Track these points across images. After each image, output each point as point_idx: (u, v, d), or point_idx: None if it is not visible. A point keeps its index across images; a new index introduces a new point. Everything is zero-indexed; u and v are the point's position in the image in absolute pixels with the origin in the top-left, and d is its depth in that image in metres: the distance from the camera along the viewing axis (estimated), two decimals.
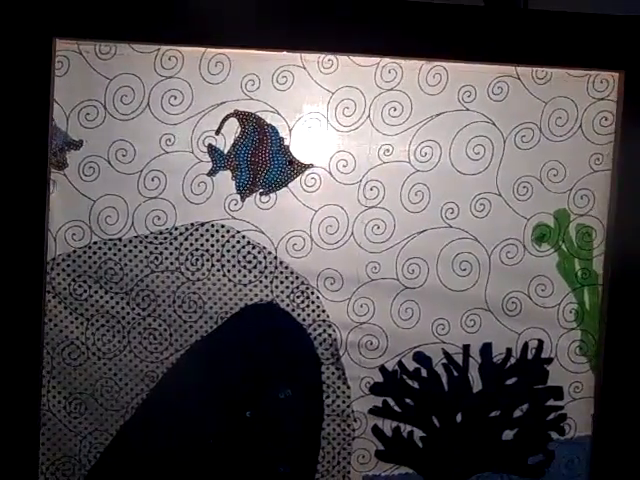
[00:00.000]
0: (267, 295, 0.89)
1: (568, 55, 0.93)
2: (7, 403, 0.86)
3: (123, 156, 0.86)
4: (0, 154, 0.86)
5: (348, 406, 0.92)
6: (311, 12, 0.88)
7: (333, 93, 0.89)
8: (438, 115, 0.89)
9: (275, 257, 0.89)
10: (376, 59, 0.90)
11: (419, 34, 0.90)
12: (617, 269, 0.96)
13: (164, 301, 0.88)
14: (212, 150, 0.88)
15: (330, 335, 0.90)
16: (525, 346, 0.94)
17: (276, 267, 0.89)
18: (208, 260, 0.88)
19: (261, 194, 0.88)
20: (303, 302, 0.90)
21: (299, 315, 0.90)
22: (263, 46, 0.90)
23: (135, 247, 0.87)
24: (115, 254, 0.87)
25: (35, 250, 0.88)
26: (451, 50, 0.92)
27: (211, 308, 0.89)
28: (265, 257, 0.89)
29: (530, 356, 0.93)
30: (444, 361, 0.93)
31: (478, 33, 0.91)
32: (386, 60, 0.89)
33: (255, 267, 0.89)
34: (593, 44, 0.93)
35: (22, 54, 0.86)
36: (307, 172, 0.89)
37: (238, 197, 0.88)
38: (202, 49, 0.87)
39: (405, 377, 0.92)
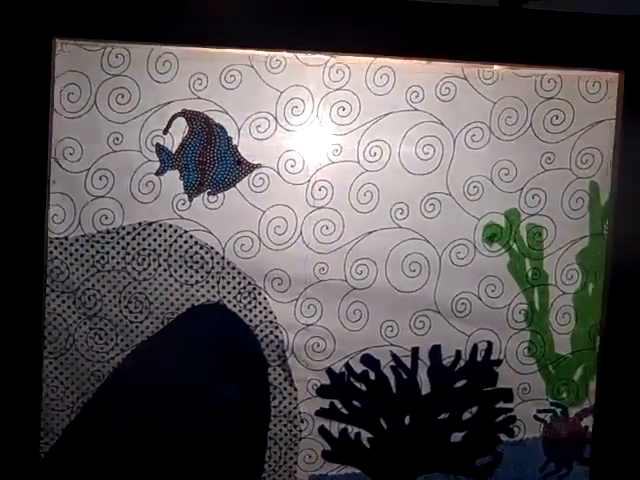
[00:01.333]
0: (214, 296, 0.97)
1: (568, 55, 1.01)
2: None
3: (70, 154, 0.93)
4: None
5: (295, 407, 0.99)
6: (311, 12, 0.97)
7: (282, 92, 0.96)
8: (386, 115, 0.97)
9: (222, 257, 0.96)
10: (325, 57, 0.98)
11: (419, 34, 0.99)
12: (617, 269, 1.05)
13: (110, 301, 0.96)
14: (160, 149, 0.95)
15: (277, 336, 0.97)
16: (474, 348, 1.01)
17: (223, 267, 0.96)
18: (155, 260, 0.96)
19: (209, 194, 0.96)
20: (250, 303, 0.97)
21: (246, 316, 0.98)
22: (263, 46, 0.99)
23: (82, 246, 0.95)
24: (61, 253, 0.94)
25: (33, 248, 0.97)
26: (450, 50, 1.00)
27: (157, 308, 0.96)
28: (212, 257, 0.96)
29: (479, 358, 1.00)
30: (392, 363, 1.01)
31: (477, 33, 0.99)
32: (334, 60, 0.96)
33: (202, 267, 0.96)
34: (593, 44, 1.01)
35: (22, 54, 0.95)
36: (255, 172, 0.97)
37: (186, 197, 0.96)
38: (150, 47, 0.93)
39: (352, 379, 0.99)
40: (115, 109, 0.94)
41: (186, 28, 0.94)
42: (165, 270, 0.97)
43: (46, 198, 0.96)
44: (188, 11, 0.94)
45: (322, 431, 1.01)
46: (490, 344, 1.02)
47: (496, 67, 0.99)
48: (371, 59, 0.99)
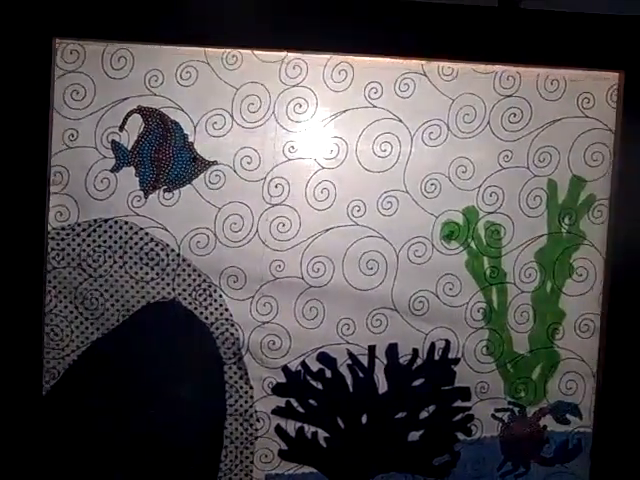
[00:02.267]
0: (169, 293, 1.02)
1: (568, 55, 1.07)
2: None
3: None
4: None
5: (251, 406, 1.05)
6: (311, 12, 1.04)
7: (237, 89, 1.01)
8: (344, 112, 1.02)
9: (178, 254, 1.02)
10: (281, 54, 1.04)
11: (417, 34, 1.05)
12: (618, 270, 1.12)
13: (65, 297, 1.00)
14: (116, 146, 1.00)
15: (232, 334, 1.03)
16: (432, 346, 1.07)
17: (179, 264, 1.02)
18: (110, 257, 1.01)
19: (165, 191, 1.01)
20: (206, 300, 1.02)
21: (202, 313, 1.03)
22: (263, 46, 1.05)
23: None
24: None
25: (34, 249, 1.03)
26: (449, 50, 1.06)
27: (113, 305, 1.01)
28: (168, 254, 1.02)
29: (437, 357, 1.06)
30: (349, 362, 1.06)
31: (476, 33, 1.05)
32: (291, 56, 1.02)
33: (158, 264, 1.02)
34: (593, 44, 1.07)
35: (22, 54, 1.01)
36: (211, 169, 1.02)
37: (142, 193, 1.01)
38: (104, 43, 1.00)
39: (309, 378, 1.05)
40: (70, 105, 0.99)
41: (186, 28, 1.01)
42: (121, 267, 1.02)
43: (46, 198, 1.04)
44: (188, 11, 1.01)
45: (278, 430, 1.06)
46: (448, 343, 1.08)
47: (455, 63, 1.03)
48: (328, 56, 1.04)
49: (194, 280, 1.04)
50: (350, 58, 1.05)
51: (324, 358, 1.07)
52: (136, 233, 1.03)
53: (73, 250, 1.03)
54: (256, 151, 1.04)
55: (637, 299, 1.10)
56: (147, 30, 1.01)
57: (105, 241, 1.03)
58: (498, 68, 1.06)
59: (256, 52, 1.04)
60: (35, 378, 1.02)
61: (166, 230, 1.04)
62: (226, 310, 1.05)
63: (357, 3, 1.03)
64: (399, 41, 1.05)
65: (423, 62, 1.06)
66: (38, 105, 1.01)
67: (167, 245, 1.03)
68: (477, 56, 1.06)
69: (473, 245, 1.07)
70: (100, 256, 1.03)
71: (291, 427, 1.08)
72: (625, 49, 1.07)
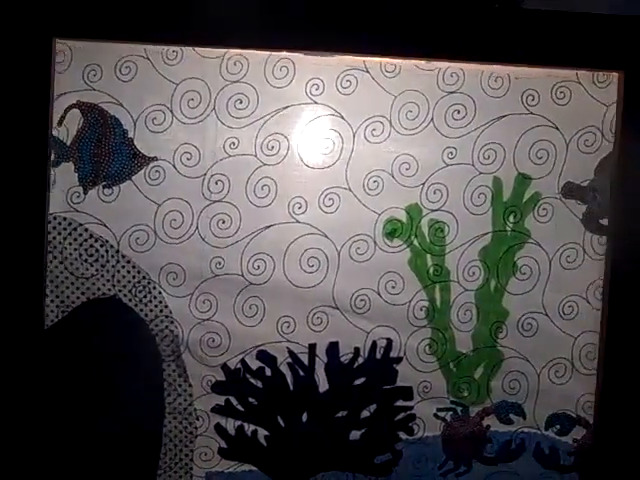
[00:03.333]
0: (109, 289, 1.09)
1: (568, 55, 1.14)
2: None
3: None
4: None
5: (190, 404, 1.12)
6: (311, 12, 1.10)
7: (177, 84, 1.09)
8: (285, 108, 1.09)
9: (117, 251, 1.09)
10: (222, 50, 1.09)
11: (417, 33, 1.12)
12: (618, 271, 1.19)
13: None
14: (54, 141, 1.06)
15: (172, 331, 1.10)
16: (374, 345, 1.13)
17: (118, 261, 1.09)
18: (50, 253, 1.07)
19: (104, 187, 1.08)
20: (145, 297, 1.09)
21: (142, 310, 1.10)
22: (263, 46, 1.12)
23: None
24: None
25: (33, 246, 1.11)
26: (448, 50, 1.13)
27: (52, 302, 1.07)
28: (107, 250, 1.08)
29: (379, 355, 1.12)
30: (289, 360, 1.12)
31: (475, 32, 1.12)
32: (232, 52, 1.09)
33: (97, 260, 1.08)
34: (593, 44, 1.14)
35: (22, 54, 1.08)
36: (151, 165, 1.10)
37: (81, 189, 1.08)
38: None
39: (248, 376, 1.12)
40: None
41: (186, 28, 1.09)
42: (61, 263, 1.08)
43: (46, 198, 1.11)
44: (189, 11, 1.09)
45: (218, 428, 1.14)
46: (390, 341, 1.14)
47: (398, 60, 1.09)
48: (269, 52, 1.12)
49: (133, 277, 1.11)
50: (291, 54, 1.11)
51: (264, 356, 1.14)
52: (75, 229, 1.09)
53: None
54: (196, 147, 1.11)
55: (637, 299, 1.17)
56: (148, 30, 1.09)
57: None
58: (441, 65, 1.13)
59: (197, 48, 1.08)
60: None
61: (105, 226, 1.10)
62: (165, 307, 1.12)
63: (360, 3, 1.10)
64: (392, 40, 1.12)
65: (365, 59, 1.11)
66: (38, 104, 1.09)
67: (106, 241, 1.10)
68: (477, 56, 1.13)
69: (416, 243, 1.14)
70: None
71: (231, 425, 1.15)
72: (625, 49, 1.14)
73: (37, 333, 1.08)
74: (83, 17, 1.08)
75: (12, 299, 1.09)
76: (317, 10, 1.09)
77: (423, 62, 1.14)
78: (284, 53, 1.12)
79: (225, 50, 1.11)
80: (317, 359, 1.17)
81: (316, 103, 1.13)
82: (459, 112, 1.13)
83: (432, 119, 1.14)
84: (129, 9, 1.08)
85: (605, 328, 1.19)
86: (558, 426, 1.21)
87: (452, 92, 1.14)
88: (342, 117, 1.13)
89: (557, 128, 1.15)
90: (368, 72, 1.13)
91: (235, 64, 1.10)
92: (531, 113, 1.15)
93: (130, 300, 1.13)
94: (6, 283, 1.08)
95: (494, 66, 1.15)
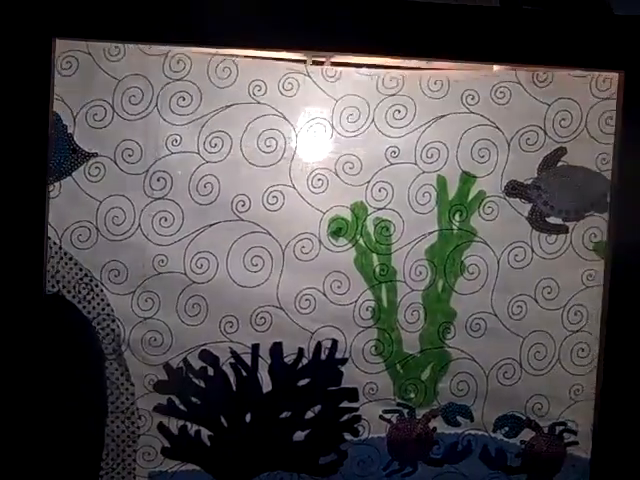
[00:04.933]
0: (53, 286, 1.18)
1: (568, 55, 1.26)
2: None
3: None
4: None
5: (132, 403, 1.23)
6: (311, 12, 1.20)
7: (119, 81, 1.21)
8: (228, 107, 1.20)
9: (60, 248, 1.20)
10: (165, 48, 1.21)
11: (419, 34, 1.22)
12: (618, 271, 1.29)
13: None
14: None
15: (114, 330, 1.21)
16: (318, 346, 1.24)
17: (61, 258, 1.19)
18: None
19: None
20: (88, 294, 1.19)
21: (84, 308, 1.20)
22: (263, 46, 1.23)
23: None
24: None
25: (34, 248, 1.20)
26: (450, 50, 1.24)
27: None
28: (50, 248, 1.17)
29: (323, 356, 1.23)
30: (232, 360, 1.22)
31: (478, 33, 1.23)
32: (175, 50, 1.19)
33: None
34: (593, 44, 1.26)
35: (22, 54, 1.18)
36: (91, 161, 1.21)
37: None
38: None
39: (191, 375, 1.20)
40: None
41: (186, 28, 1.19)
42: None
43: (46, 198, 1.20)
44: (188, 11, 1.19)
45: (161, 428, 1.26)
46: (335, 342, 1.26)
47: (339, 67, 1.22)
48: (214, 51, 1.21)
49: (76, 274, 1.22)
50: (235, 55, 1.22)
51: (206, 356, 1.25)
52: None
53: None
54: (138, 144, 1.23)
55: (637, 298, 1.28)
56: (148, 30, 1.19)
57: None
58: (381, 72, 1.25)
59: (140, 45, 1.19)
60: None
61: (48, 223, 1.20)
62: (107, 305, 1.23)
63: (360, 3, 1.21)
64: (393, 41, 1.22)
65: (308, 64, 1.25)
66: (37, 104, 1.19)
67: (48, 238, 1.19)
68: (477, 56, 1.25)
69: (362, 242, 1.25)
70: None
71: (174, 425, 1.26)
72: (625, 49, 1.26)
73: None
74: (83, 17, 1.18)
75: None
76: (316, 9, 1.20)
77: (363, 68, 1.26)
78: (228, 53, 1.22)
79: (168, 48, 1.20)
80: (260, 359, 1.27)
81: (259, 103, 1.24)
82: (399, 112, 1.25)
83: (373, 120, 1.26)
84: (129, 9, 1.18)
85: (605, 330, 1.30)
86: (506, 428, 1.31)
87: (392, 95, 1.26)
88: (284, 117, 1.24)
89: (497, 127, 1.26)
90: (309, 76, 1.25)
91: (178, 62, 1.22)
92: (471, 112, 1.26)
93: (74, 297, 1.23)
94: None
95: (432, 71, 1.27)
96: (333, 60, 1.24)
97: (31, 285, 1.18)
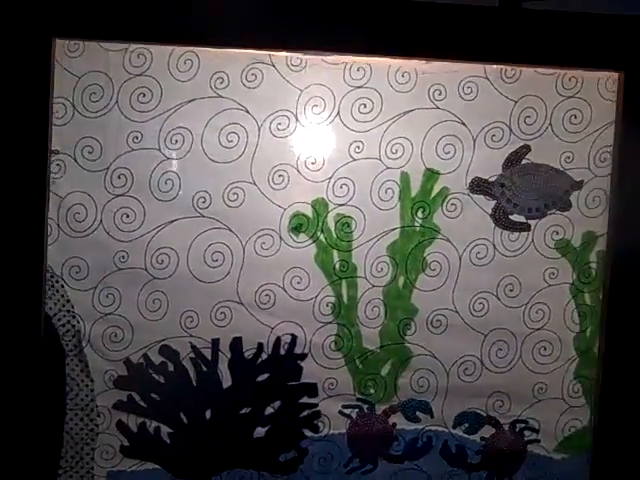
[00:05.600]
0: None
1: (568, 55, 1.31)
2: None
3: None
4: None
5: (92, 400, 1.29)
6: (311, 12, 1.26)
7: (79, 77, 1.27)
8: (190, 101, 1.25)
9: None
10: (124, 45, 1.26)
11: (418, 33, 1.27)
12: (617, 270, 1.35)
13: None
14: None
15: (74, 326, 1.26)
16: (278, 341, 1.29)
17: None
18: None
19: None
20: (49, 290, 1.24)
21: (45, 304, 1.24)
22: (264, 46, 1.28)
23: None
24: None
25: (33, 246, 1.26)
26: (450, 50, 1.29)
27: None
28: None
29: (283, 351, 1.28)
30: (192, 355, 1.27)
31: (477, 33, 1.28)
32: (134, 45, 1.23)
33: None
34: (593, 44, 1.31)
35: (22, 54, 1.23)
36: (52, 158, 1.26)
37: None
38: None
39: (151, 371, 1.26)
40: None
41: (187, 28, 1.24)
42: None
43: (46, 199, 1.26)
44: (190, 11, 1.24)
45: (120, 425, 1.32)
46: (294, 337, 1.32)
47: (304, 54, 1.25)
48: (174, 47, 1.27)
49: None
50: (195, 48, 1.25)
51: (167, 351, 1.31)
52: None
53: None
54: (98, 141, 1.28)
55: (637, 298, 1.34)
56: (147, 30, 1.25)
57: None
58: (348, 59, 1.27)
59: (101, 42, 1.25)
60: None
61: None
62: (68, 301, 1.29)
63: (360, 3, 1.26)
64: (393, 40, 1.27)
65: (271, 52, 1.27)
66: (37, 104, 1.24)
67: None
68: (477, 56, 1.29)
69: (322, 238, 1.30)
70: None
71: (133, 422, 1.30)
72: (625, 49, 1.31)
73: None
74: (83, 17, 1.23)
75: None
76: (316, 9, 1.25)
77: (330, 56, 1.30)
78: (187, 47, 1.27)
79: (128, 44, 1.26)
80: (220, 354, 1.33)
81: (221, 97, 1.29)
82: (365, 106, 1.29)
83: (338, 113, 1.30)
84: (129, 9, 1.23)
85: (605, 330, 1.36)
86: (466, 424, 1.37)
87: (359, 87, 1.30)
88: (247, 111, 1.28)
89: (464, 123, 1.30)
90: (274, 66, 1.30)
91: (138, 57, 1.27)
92: (438, 108, 1.31)
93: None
94: None
95: (401, 61, 1.31)
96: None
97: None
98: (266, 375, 1.34)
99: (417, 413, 1.37)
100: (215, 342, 1.33)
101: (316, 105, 1.31)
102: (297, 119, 1.32)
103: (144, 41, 1.25)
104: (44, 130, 1.23)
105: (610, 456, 1.36)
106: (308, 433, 1.36)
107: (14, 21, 1.19)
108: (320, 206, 1.33)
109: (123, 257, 1.30)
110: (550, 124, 1.34)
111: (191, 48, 1.29)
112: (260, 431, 1.35)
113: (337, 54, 1.28)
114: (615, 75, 1.33)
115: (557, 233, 1.36)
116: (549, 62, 1.29)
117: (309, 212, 1.33)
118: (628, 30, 1.29)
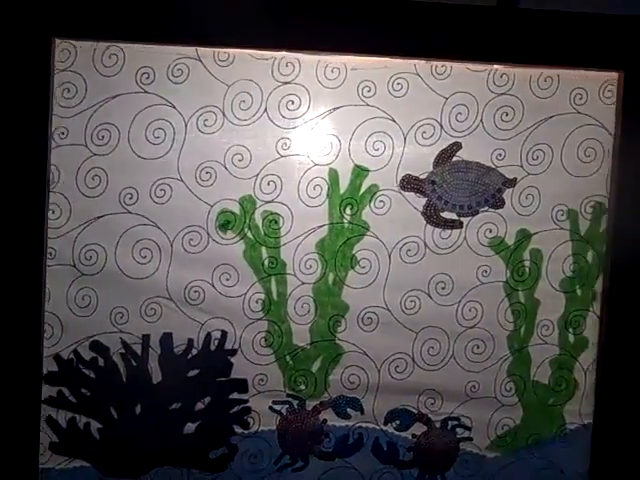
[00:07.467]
0: None
1: (568, 55, 1.32)
2: None
3: None
4: None
5: None
6: (310, 11, 1.27)
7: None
8: (115, 97, 1.29)
9: None
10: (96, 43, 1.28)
11: (417, 33, 1.29)
12: (617, 270, 1.36)
13: None
14: None
15: None
16: (208, 337, 1.30)
17: None
18: None
19: None
20: None
21: None
22: (264, 46, 1.30)
23: None
24: None
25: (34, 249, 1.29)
26: (449, 50, 1.30)
27: None
28: None
29: (213, 347, 1.29)
30: (122, 351, 1.29)
31: (476, 33, 1.29)
32: (58, 41, 1.24)
33: None
34: (593, 44, 1.32)
35: (22, 54, 1.25)
36: None
37: None
38: None
39: (81, 366, 1.28)
40: None
41: (188, 28, 1.26)
42: None
43: (46, 198, 1.29)
44: (189, 11, 1.25)
45: (49, 421, 1.32)
46: (224, 333, 1.33)
47: (232, 49, 1.25)
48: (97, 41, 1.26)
49: None
50: (121, 44, 1.25)
51: (97, 347, 1.32)
52: None
53: None
54: None
55: (636, 297, 1.35)
56: (147, 30, 1.26)
57: None
58: (277, 54, 1.28)
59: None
60: None
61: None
62: None
63: (359, 3, 1.27)
64: (391, 40, 1.28)
65: (198, 48, 1.26)
66: (37, 105, 1.26)
67: None
68: (476, 56, 1.30)
69: (250, 235, 1.31)
70: None
71: (62, 418, 1.32)
72: (625, 49, 1.31)
73: None
74: (83, 17, 1.25)
75: None
76: (316, 9, 1.26)
77: (259, 52, 1.30)
78: (112, 41, 1.26)
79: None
80: (151, 350, 1.34)
81: (146, 92, 1.29)
82: (293, 102, 1.30)
83: (265, 109, 1.31)
84: (129, 9, 1.25)
85: (605, 330, 1.37)
86: (397, 421, 1.37)
87: (287, 82, 1.29)
88: (173, 107, 1.29)
89: (394, 120, 1.30)
90: (200, 61, 1.29)
91: (63, 51, 1.28)
92: (367, 105, 1.31)
93: None
94: None
95: (331, 56, 1.31)
96: None
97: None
98: (196, 371, 1.35)
99: (348, 410, 1.37)
100: (145, 338, 1.34)
101: (243, 101, 1.31)
102: (224, 115, 1.31)
103: (144, 41, 1.27)
104: (44, 130, 1.26)
105: (610, 456, 1.37)
106: (238, 429, 1.37)
107: (14, 21, 1.21)
108: (247, 203, 1.33)
109: (51, 254, 1.32)
110: (481, 121, 1.33)
111: (115, 43, 1.29)
112: (190, 427, 1.36)
113: (336, 54, 1.30)
114: (549, 72, 1.34)
115: (490, 231, 1.35)
116: (549, 62, 1.29)
117: (236, 209, 1.34)
118: (628, 30, 1.29)
